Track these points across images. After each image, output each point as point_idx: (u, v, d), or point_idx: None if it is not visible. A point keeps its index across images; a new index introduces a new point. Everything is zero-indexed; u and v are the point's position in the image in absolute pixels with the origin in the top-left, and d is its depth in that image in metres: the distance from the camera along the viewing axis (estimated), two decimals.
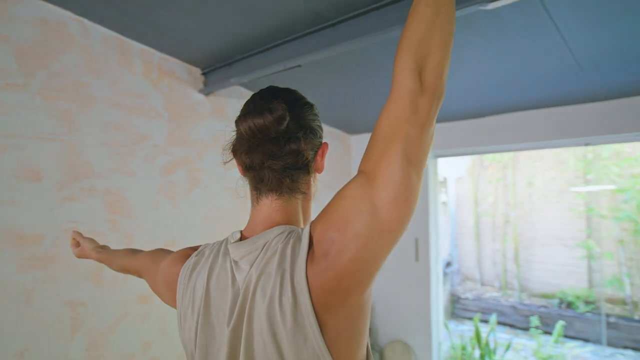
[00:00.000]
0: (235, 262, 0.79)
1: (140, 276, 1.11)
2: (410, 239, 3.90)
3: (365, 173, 0.68)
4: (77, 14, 2.29)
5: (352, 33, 2.04)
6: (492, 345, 4.27)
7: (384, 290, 4.05)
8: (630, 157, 5.74)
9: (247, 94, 3.22)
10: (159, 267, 0.98)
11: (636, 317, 5.66)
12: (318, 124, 0.89)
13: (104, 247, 1.35)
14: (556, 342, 4.23)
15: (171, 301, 0.92)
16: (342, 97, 3.33)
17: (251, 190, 0.86)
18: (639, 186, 5.61)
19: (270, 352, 0.68)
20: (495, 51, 2.28)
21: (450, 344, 4.35)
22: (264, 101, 0.82)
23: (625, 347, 5.33)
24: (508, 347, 4.23)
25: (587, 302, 5.97)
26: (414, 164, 0.66)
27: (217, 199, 3.05)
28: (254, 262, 0.75)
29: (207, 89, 2.90)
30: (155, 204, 2.67)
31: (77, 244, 1.40)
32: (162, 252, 1.04)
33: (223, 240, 0.88)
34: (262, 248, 0.75)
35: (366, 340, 0.71)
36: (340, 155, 4.25)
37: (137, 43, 2.57)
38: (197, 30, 2.33)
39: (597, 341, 4.60)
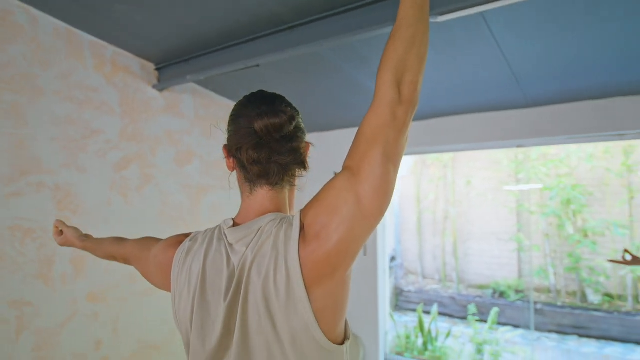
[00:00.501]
0: (230, 245, 0.87)
1: (127, 263, 1.14)
2: None
3: (350, 169, 0.79)
4: (25, 3, 2.19)
5: (309, 36, 2.12)
6: (434, 334, 4.53)
7: None
8: (555, 159, 6.28)
9: (202, 91, 3.22)
10: (149, 253, 1.02)
11: (559, 304, 6.21)
12: (304, 126, 0.98)
13: (88, 236, 1.37)
14: (490, 328, 4.57)
15: (164, 285, 0.96)
16: (295, 97, 3.40)
17: (243, 183, 0.92)
18: (563, 185, 6.15)
19: (264, 323, 0.77)
20: (442, 60, 2.45)
21: (396, 333, 4.57)
22: (271, 104, 0.89)
23: (550, 331, 5.84)
24: (448, 335, 4.51)
25: (517, 291, 6.47)
26: (392, 161, 0.78)
27: (171, 196, 3.02)
28: (250, 244, 0.83)
29: (161, 85, 2.87)
30: (107, 201, 2.61)
31: (60, 233, 1.41)
32: (151, 240, 1.08)
33: (215, 228, 0.94)
34: (257, 232, 0.84)
35: (346, 314, 0.81)
36: None
37: (88, 35, 2.50)
38: (153, 25, 2.31)
39: (526, 326, 5.02)
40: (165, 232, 2.80)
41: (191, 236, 0.95)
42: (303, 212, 0.81)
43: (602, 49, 2.28)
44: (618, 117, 2.96)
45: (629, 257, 2.23)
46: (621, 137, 3.29)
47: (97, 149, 2.56)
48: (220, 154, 3.39)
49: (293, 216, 0.83)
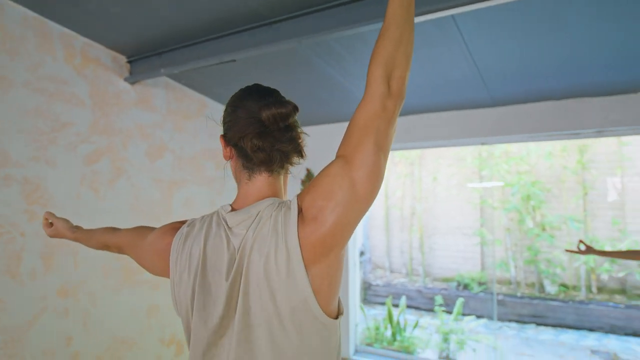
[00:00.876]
0: (230, 229, 0.90)
1: (121, 251, 1.14)
2: None
3: (344, 157, 0.84)
4: None
5: (287, 33, 2.15)
6: (402, 325, 4.66)
7: None
8: (516, 156, 6.56)
9: (174, 85, 3.19)
10: (145, 240, 1.03)
11: (519, 295, 6.51)
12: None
13: (78, 227, 1.36)
14: (456, 319, 4.75)
15: (160, 270, 0.98)
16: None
17: (241, 170, 0.95)
18: (523, 182, 6.44)
19: (265, 299, 0.82)
20: (413, 59, 2.53)
21: (365, 325, 4.68)
22: (274, 95, 0.93)
23: (511, 320, 6.12)
24: (416, 325, 4.66)
25: (480, 284, 6.72)
26: (383, 150, 0.84)
27: (143, 190, 2.98)
28: (250, 227, 0.87)
29: (133, 78, 2.83)
30: (77, 195, 2.56)
31: (50, 225, 1.40)
32: (145, 228, 1.09)
33: (212, 214, 0.97)
34: (256, 216, 0.88)
35: (339, 291, 0.86)
36: None
37: (59, 25, 2.44)
38: (126, 16, 2.28)
39: (489, 317, 5.24)
40: (136, 225, 2.76)
41: (188, 222, 0.97)
42: (300, 197, 0.86)
43: (561, 54, 2.42)
44: (574, 117, 3.15)
45: (583, 247, 2.38)
46: (577, 135, 3.49)
47: (67, 142, 2.50)
48: (192, 149, 3.38)
49: (290, 201, 0.88)
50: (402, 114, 3.73)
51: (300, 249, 0.80)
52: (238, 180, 0.97)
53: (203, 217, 0.97)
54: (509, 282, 6.72)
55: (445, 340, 4.50)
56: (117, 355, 2.79)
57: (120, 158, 2.83)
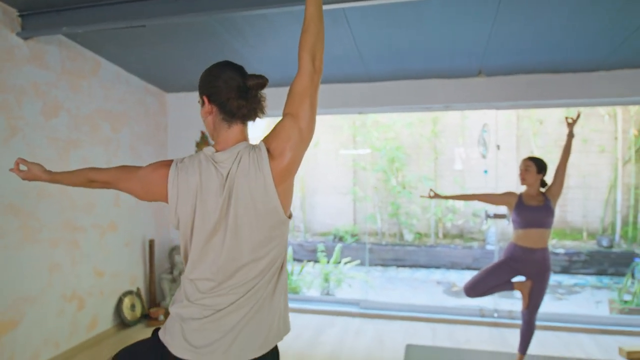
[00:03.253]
0: (217, 163, 1.20)
1: (106, 186, 1.32)
2: None
3: (291, 114, 1.20)
4: None
5: (200, 6, 2.33)
6: (289, 270, 5.20)
7: None
8: (385, 125, 7.45)
9: (69, 43, 3.11)
10: (136, 174, 1.25)
11: (384, 243, 7.57)
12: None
13: (51, 171, 1.49)
14: (335, 262, 5.45)
15: (156, 194, 1.21)
16: (170, 58, 3.49)
17: (221, 122, 1.23)
18: (389, 147, 7.37)
19: (250, 206, 1.16)
20: None
21: None
22: (244, 70, 1.25)
23: (377, 265, 7.13)
24: (302, 269, 5.24)
25: (352, 235, 7.63)
26: (313, 107, 1.22)
27: (38, 148, 2.90)
28: (234, 161, 1.18)
29: (26, 33, 2.71)
30: None
31: (18, 169, 1.50)
32: (130, 166, 1.32)
33: (198, 154, 1.23)
34: (237, 154, 1.19)
35: (291, 203, 1.24)
36: (155, 112, 4.30)
37: None
38: None
39: (361, 263, 6.07)
40: (33, 185, 2.71)
41: (176, 160, 1.22)
42: (266, 142, 1.21)
43: (421, 43, 3.01)
44: (429, 94, 3.85)
45: (432, 194, 3.09)
46: (430, 109, 4.27)
47: None
48: (87, 109, 3.32)
49: (258, 145, 1.21)
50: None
51: (272, 174, 1.16)
52: (217, 130, 1.25)
53: (190, 156, 1.23)
54: (376, 233, 7.75)
55: (326, 280, 5.18)
56: (21, 310, 2.77)
57: (15, 116, 2.72)
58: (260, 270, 1.18)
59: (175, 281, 4.30)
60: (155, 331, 1.29)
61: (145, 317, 4.00)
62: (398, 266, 7.16)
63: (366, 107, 4.08)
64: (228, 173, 1.17)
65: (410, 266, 7.13)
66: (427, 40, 3.00)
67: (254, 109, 1.26)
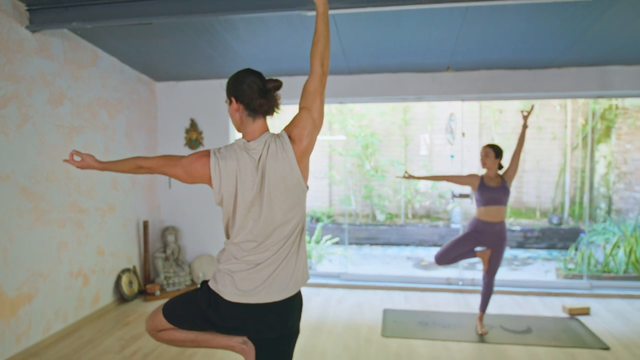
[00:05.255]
0: (249, 150, 1.47)
1: (151, 171, 1.54)
2: None
3: (306, 107, 1.49)
4: None
5: (202, 8, 2.53)
6: None
7: (192, 214, 4.65)
8: (360, 113, 7.77)
9: (69, 35, 3.24)
10: (180, 162, 1.50)
11: (358, 223, 7.95)
12: None
13: (102, 161, 1.69)
14: (316, 241, 5.78)
15: (198, 177, 1.47)
16: (163, 50, 3.64)
17: (247, 116, 1.49)
18: (364, 133, 7.70)
19: (280, 182, 1.44)
20: (296, 35, 3.15)
21: None
22: (262, 75, 1.51)
23: (352, 243, 7.51)
24: None
25: (329, 216, 7.97)
26: (322, 101, 1.51)
27: (47, 135, 3.05)
28: (263, 148, 1.45)
29: (34, 27, 2.83)
30: None
31: (73, 160, 1.68)
32: (173, 155, 1.56)
33: (232, 144, 1.50)
34: (265, 142, 1.46)
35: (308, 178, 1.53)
36: (147, 100, 4.43)
37: None
38: None
39: (339, 242, 6.42)
40: (43, 169, 2.90)
41: (214, 150, 1.47)
42: (287, 130, 1.49)
43: (401, 41, 3.31)
44: (403, 86, 4.18)
45: (407, 175, 3.42)
46: (404, 99, 4.60)
47: None
48: (87, 97, 3.46)
49: (280, 133, 1.49)
50: (284, 75, 4.33)
51: (295, 156, 1.46)
52: (243, 124, 1.50)
53: (226, 146, 1.49)
54: (350, 214, 8.12)
55: (309, 256, 5.50)
56: (35, 286, 2.95)
57: (26, 104, 2.85)
58: (289, 231, 1.48)
59: (167, 259, 4.51)
60: (203, 284, 1.56)
61: (142, 293, 4.21)
62: (371, 244, 7.56)
63: (346, 98, 4.36)
64: (260, 157, 1.44)
65: (383, 244, 7.56)
66: (403, 40, 3.30)
67: (272, 106, 1.53)
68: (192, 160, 1.49)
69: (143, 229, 4.31)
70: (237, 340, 1.57)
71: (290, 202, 1.47)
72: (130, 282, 4.08)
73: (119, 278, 3.94)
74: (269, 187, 1.44)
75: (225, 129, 4.55)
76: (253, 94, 1.48)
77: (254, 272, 1.45)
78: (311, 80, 1.51)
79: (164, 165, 1.53)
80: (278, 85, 1.52)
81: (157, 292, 4.15)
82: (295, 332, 1.57)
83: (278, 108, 1.56)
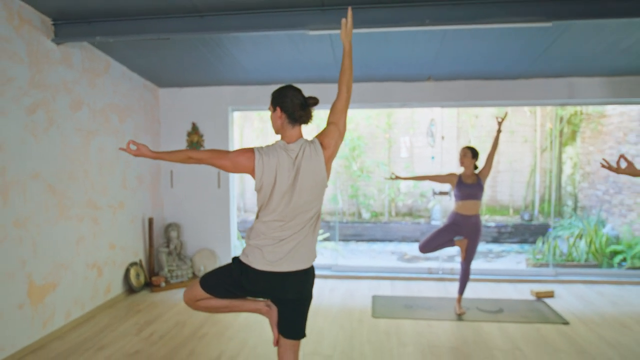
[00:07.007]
0: (288, 150, 1.76)
1: (200, 162, 1.77)
2: (214, 171, 4.82)
3: (334, 122, 1.81)
4: None
5: (215, 26, 2.81)
6: None
7: (192, 211, 4.91)
8: (347, 118, 8.09)
9: (87, 46, 3.46)
10: (227, 155, 1.76)
11: (345, 221, 8.29)
12: None
13: (155, 151, 1.88)
14: None
15: (243, 168, 1.74)
16: (169, 58, 3.90)
17: (287, 123, 1.78)
18: (351, 136, 8.05)
19: (310, 178, 1.74)
20: (292, 48, 3.46)
21: (242, 250, 5.63)
22: (302, 92, 1.81)
23: (339, 240, 7.84)
24: None
25: None
26: (345, 117, 1.84)
27: (68, 137, 3.28)
28: (299, 150, 1.75)
29: (59, 39, 3.06)
30: (21, 140, 2.82)
31: (130, 149, 1.83)
32: (220, 150, 1.81)
33: (274, 144, 1.78)
34: (301, 145, 1.76)
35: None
36: (151, 105, 4.66)
37: None
38: None
39: (329, 238, 6.75)
40: (66, 170, 3.17)
41: (257, 148, 1.75)
42: (319, 138, 1.80)
43: (388, 54, 3.66)
44: (390, 94, 4.53)
45: (394, 177, 3.77)
46: (390, 106, 4.95)
47: (12, 95, 2.72)
48: (101, 103, 3.69)
49: (313, 139, 1.79)
50: (270, 83, 4.62)
51: (324, 159, 1.77)
52: (284, 129, 1.80)
53: (267, 145, 1.78)
54: (337, 213, 8.46)
55: None
56: (58, 275, 3.18)
57: (52, 110, 3.09)
58: (310, 217, 1.79)
59: (171, 254, 4.74)
60: (235, 259, 1.85)
61: (148, 285, 4.45)
62: (357, 241, 7.92)
63: None
64: (296, 157, 1.75)
65: (368, 240, 7.92)
66: (390, 54, 3.65)
67: (308, 117, 1.84)
68: (237, 154, 1.78)
69: (148, 225, 4.55)
70: (262, 304, 1.89)
71: (314, 194, 1.78)
72: (138, 275, 4.31)
73: (127, 271, 4.17)
74: (301, 181, 1.74)
75: (224, 132, 4.82)
76: (295, 106, 1.78)
77: (279, 246, 1.76)
78: (338, 101, 1.84)
79: (213, 157, 1.80)
80: (316, 102, 1.83)
81: (163, 284, 4.40)
82: (309, 296, 1.88)
83: (311, 120, 1.87)
